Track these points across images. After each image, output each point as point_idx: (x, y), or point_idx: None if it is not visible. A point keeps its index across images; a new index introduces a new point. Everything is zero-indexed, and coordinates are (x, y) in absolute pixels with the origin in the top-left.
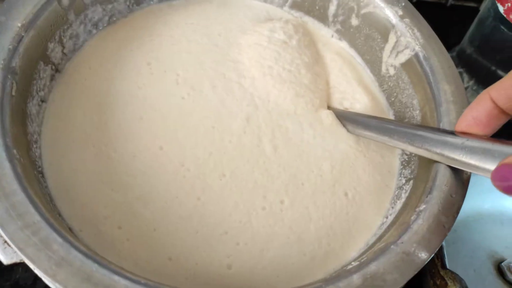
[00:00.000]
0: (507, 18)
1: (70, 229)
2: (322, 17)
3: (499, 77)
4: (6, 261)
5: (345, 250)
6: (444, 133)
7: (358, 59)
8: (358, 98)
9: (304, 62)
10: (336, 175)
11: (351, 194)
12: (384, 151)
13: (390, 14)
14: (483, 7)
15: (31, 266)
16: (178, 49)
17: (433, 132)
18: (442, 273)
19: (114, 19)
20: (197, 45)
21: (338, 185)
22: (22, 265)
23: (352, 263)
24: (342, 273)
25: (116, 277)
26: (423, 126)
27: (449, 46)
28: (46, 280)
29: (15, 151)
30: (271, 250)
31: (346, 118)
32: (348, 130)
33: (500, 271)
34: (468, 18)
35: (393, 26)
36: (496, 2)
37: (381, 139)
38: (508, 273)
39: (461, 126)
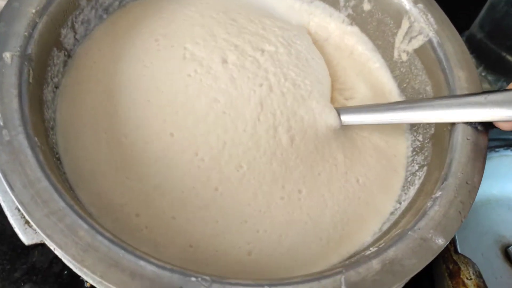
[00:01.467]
0: None
1: (91, 216)
2: (333, 2)
3: (509, 63)
4: (27, 242)
5: (358, 234)
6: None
7: (369, 45)
8: (357, 89)
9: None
10: (348, 163)
11: (361, 180)
12: (387, 137)
13: None
14: None
15: (59, 252)
16: (190, 24)
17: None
18: (455, 257)
19: (124, 2)
20: (211, 19)
21: (350, 172)
22: (38, 249)
23: (370, 248)
24: (361, 259)
25: (142, 263)
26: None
27: (458, 31)
28: (73, 266)
29: (36, 138)
30: (290, 236)
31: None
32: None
33: (507, 255)
34: (477, 2)
35: (407, 11)
36: None
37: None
38: None
39: None
